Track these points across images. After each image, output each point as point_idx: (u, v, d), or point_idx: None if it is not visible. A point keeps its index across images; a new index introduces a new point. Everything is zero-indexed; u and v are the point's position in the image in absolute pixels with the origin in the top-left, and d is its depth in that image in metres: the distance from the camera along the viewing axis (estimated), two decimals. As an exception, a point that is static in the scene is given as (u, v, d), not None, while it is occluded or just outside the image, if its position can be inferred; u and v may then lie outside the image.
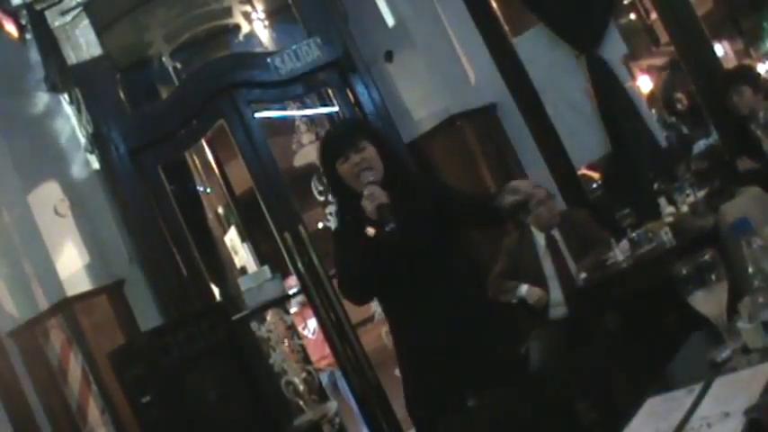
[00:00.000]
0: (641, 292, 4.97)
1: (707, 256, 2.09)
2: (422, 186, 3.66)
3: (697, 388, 1.94)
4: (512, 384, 3.37)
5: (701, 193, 5.37)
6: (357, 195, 3.32)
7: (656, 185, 5.84)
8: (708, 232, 4.58)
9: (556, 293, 5.77)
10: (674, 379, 2.16)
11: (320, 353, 8.03)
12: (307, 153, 7.77)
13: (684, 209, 5.26)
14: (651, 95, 10.32)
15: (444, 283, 3.45)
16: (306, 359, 7.29)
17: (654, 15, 9.74)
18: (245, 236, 8.11)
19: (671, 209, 5.37)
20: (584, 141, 7.01)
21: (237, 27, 7.19)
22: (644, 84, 10.88)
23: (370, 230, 3.21)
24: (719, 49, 6.80)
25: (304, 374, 7.02)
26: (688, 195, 5.36)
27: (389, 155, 3.55)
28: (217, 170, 8.00)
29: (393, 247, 3.26)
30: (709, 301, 2.10)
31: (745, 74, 6.58)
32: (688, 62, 6.88)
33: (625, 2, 10.85)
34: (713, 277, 2.08)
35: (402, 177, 3.57)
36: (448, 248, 3.52)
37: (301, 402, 6.82)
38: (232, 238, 8.21)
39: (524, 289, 5.81)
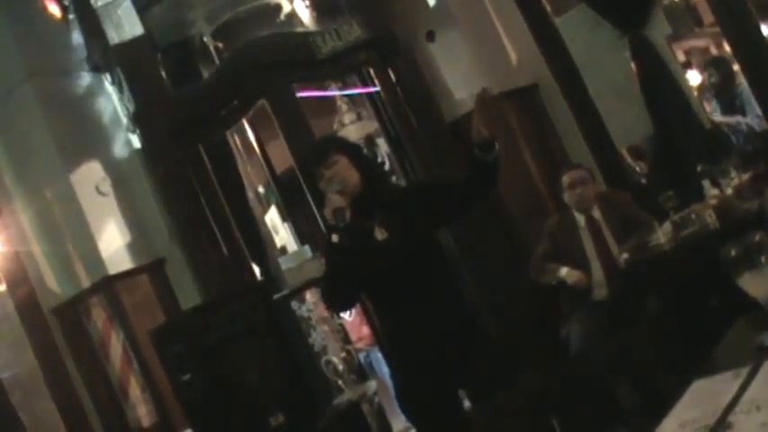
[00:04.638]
0: (684, 275, 4.93)
1: (757, 237, 2.05)
2: (404, 190, 3.83)
3: (744, 371, 1.92)
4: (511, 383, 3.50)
5: (746, 176, 5.30)
6: None
7: (699, 168, 5.77)
8: (753, 215, 4.54)
9: (598, 275, 5.71)
10: (720, 362, 2.13)
11: (357, 334, 8.06)
12: (347, 133, 7.76)
13: (729, 191, 5.20)
14: (694, 77, 10.19)
15: (428, 284, 3.59)
16: (345, 339, 7.30)
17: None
18: (285, 215, 8.12)
19: (715, 191, 5.31)
20: (627, 122, 6.94)
21: (279, 7, 7.17)
22: (687, 65, 10.76)
23: (335, 237, 3.40)
24: (766, 30, 6.70)
25: (344, 354, 7.03)
26: (732, 178, 5.30)
27: (361, 163, 3.70)
28: (258, 150, 8.01)
29: (380, 250, 3.51)
30: (758, 283, 2.06)
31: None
32: (733, 43, 6.78)
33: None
34: (762, 259, 2.04)
35: (379, 183, 3.76)
36: (431, 251, 3.67)
37: (340, 382, 6.83)
38: (272, 217, 8.22)
39: (564, 271, 5.74)
